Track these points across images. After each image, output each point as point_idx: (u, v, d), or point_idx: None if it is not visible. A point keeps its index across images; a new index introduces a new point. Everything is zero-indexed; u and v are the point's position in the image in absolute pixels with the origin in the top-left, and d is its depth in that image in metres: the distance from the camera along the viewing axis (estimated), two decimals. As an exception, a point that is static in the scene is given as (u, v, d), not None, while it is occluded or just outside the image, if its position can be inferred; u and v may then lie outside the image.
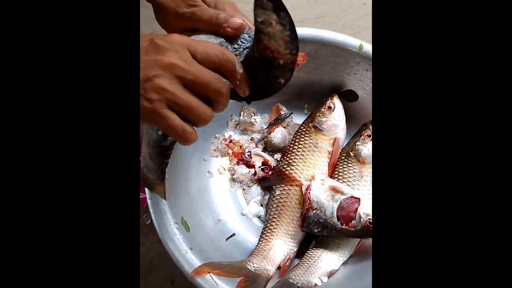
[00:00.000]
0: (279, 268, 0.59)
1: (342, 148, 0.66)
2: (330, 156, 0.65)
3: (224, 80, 0.37)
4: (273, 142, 0.69)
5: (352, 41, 0.63)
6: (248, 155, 0.69)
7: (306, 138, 0.65)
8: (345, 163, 0.64)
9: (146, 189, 0.57)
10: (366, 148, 0.64)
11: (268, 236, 0.60)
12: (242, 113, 0.71)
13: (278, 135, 0.69)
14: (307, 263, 0.58)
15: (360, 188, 0.62)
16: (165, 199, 0.54)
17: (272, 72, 0.42)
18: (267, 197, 0.66)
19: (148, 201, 0.57)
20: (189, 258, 0.54)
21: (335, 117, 0.66)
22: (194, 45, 0.37)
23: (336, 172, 0.64)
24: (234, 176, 0.69)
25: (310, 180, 0.61)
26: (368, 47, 0.62)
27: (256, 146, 0.70)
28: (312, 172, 0.63)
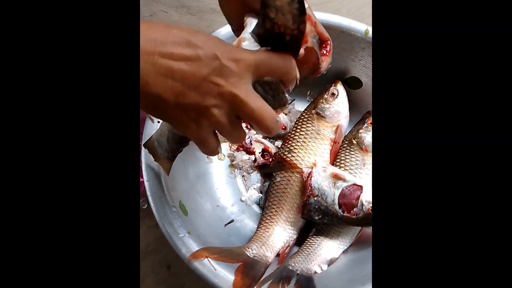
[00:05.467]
0: (278, 255, 0.58)
1: (345, 136, 0.65)
2: (332, 143, 0.63)
3: (277, 120, 0.37)
4: (274, 128, 0.68)
5: (358, 26, 0.62)
6: (248, 141, 0.68)
7: (308, 125, 0.64)
8: (348, 150, 0.63)
9: (144, 172, 0.56)
10: (369, 136, 0.63)
11: (267, 222, 0.59)
12: (243, 98, 0.70)
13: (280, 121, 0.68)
14: (307, 251, 0.57)
15: (362, 176, 0.61)
16: (168, 175, 0.53)
17: (278, 50, 0.40)
18: (267, 184, 0.65)
19: (146, 183, 0.56)
20: (186, 242, 0.53)
21: (338, 104, 0.65)
22: (259, 65, 0.35)
23: (338, 160, 0.63)
24: (234, 163, 0.67)
25: (312, 167, 0.60)
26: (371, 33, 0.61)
27: (257, 133, 0.69)
28: (314, 159, 0.62)
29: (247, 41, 0.40)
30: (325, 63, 0.50)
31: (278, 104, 0.38)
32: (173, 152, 0.49)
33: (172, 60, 0.32)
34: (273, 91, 0.38)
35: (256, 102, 0.35)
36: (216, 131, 0.38)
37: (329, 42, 0.50)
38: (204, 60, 0.33)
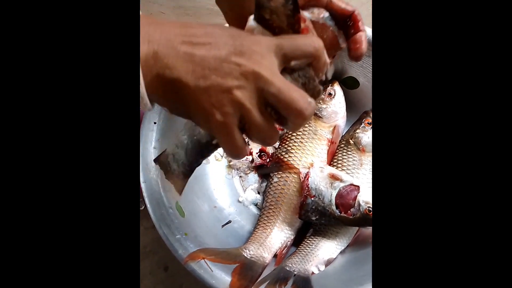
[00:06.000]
0: (275, 256, 0.58)
1: (342, 136, 0.65)
2: (329, 143, 0.63)
3: (309, 100, 0.33)
4: (271, 129, 0.67)
5: (355, 26, 0.61)
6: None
7: (305, 125, 0.64)
8: (345, 151, 0.63)
9: (141, 173, 0.56)
10: (366, 136, 0.63)
11: (265, 223, 0.59)
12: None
13: (277, 122, 0.67)
14: (304, 251, 0.57)
15: (360, 176, 0.61)
16: (180, 195, 0.49)
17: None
18: (264, 184, 0.65)
19: (142, 185, 0.56)
20: (183, 244, 0.53)
21: (335, 104, 0.64)
22: (282, 44, 0.33)
23: (335, 160, 0.63)
24: (231, 163, 0.67)
25: (309, 168, 0.59)
26: (370, 33, 0.61)
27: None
28: (311, 159, 0.62)
29: (256, 31, 0.37)
30: (363, 37, 0.42)
31: (311, 93, 0.34)
32: (191, 166, 0.45)
33: (192, 45, 0.32)
34: (303, 78, 0.34)
35: (283, 81, 0.32)
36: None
37: (356, 13, 0.42)
38: (223, 43, 0.32)
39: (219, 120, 0.32)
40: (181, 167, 0.45)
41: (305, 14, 0.41)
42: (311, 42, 0.34)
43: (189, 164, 0.45)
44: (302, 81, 0.34)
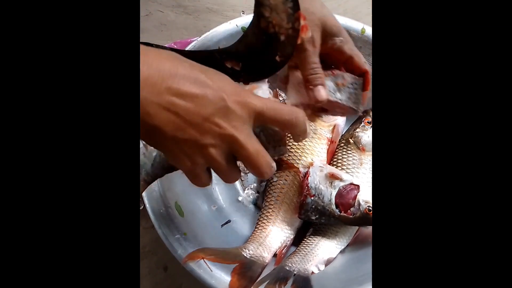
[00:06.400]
0: (275, 255, 0.57)
1: (342, 135, 0.65)
2: (329, 142, 0.63)
3: (272, 166, 0.37)
4: (271, 128, 0.67)
5: (354, 25, 0.62)
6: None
7: (305, 124, 0.64)
8: (345, 150, 0.63)
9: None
10: (366, 135, 0.63)
11: (264, 223, 0.59)
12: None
13: (276, 121, 0.67)
14: (304, 251, 0.56)
15: (360, 175, 0.61)
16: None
17: (272, 50, 0.40)
18: (263, 184, 0.65)
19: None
20: (182, 243, 0.53)
21: (335, 103, 0.64)
22: (264, 112, 0.35)
23: (335, 159, 0.63)
24: (231, 163, 0.67)
25: (309, 167, 0.59)
26: (370, 31, 0.61)
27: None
28: (311, 158, 0.61)
29: (261, 90, 0.40)
30: (364, 100, 0.49)
31: (277, 154, 0.39)
32: (154, 177, 0.49)
33: (177, 96, 0.32)
34: (275, 142, 0.39)
35: (255, 147, 0.35)
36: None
37: (368, 73, 0.48)
38: (210, 100, 0.33)
39: (188, 166, 0.35)
40: (144, 174, 0.48)
41: (328, 83, 0.47)
42: (293, 117, 0.36)
43: (153, 175, 0.48)
44: (273, 144, 0.39)
